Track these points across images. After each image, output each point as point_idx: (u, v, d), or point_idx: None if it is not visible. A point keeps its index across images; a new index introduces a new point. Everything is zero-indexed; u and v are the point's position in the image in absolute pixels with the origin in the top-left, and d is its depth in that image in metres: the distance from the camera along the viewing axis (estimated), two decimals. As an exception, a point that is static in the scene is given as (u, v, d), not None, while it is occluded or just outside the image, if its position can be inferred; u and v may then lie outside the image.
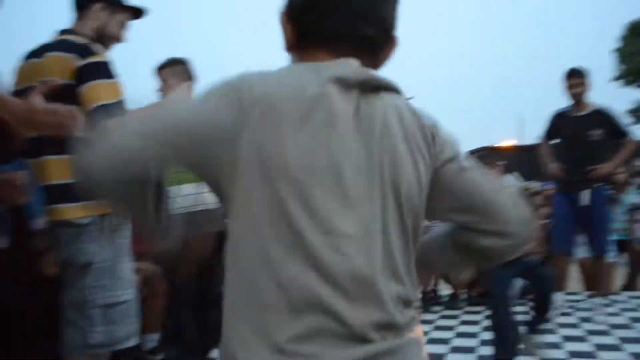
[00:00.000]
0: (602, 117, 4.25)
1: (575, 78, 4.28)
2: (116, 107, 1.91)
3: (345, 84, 0.88)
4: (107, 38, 2.17)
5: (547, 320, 3.34)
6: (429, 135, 0.94)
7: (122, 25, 2.23)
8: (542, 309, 3.26)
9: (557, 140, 4.45)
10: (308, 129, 0.84)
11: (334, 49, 0.93)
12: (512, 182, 5.84)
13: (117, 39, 2.23)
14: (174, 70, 3.08)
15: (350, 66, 0.90)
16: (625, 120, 4.34)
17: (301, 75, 0.89)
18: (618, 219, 5.70)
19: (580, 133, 4.23)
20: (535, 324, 3.28)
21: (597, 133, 4.19)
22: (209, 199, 2.98)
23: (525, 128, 47.62)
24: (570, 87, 4.28)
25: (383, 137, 0.88)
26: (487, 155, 12.84)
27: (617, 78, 27.15)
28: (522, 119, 51.62)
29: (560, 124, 4.39)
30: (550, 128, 4.48)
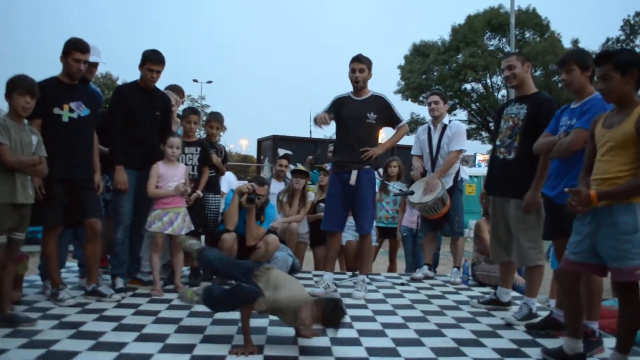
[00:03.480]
0: (378, 103, 4.40)
1: (357, 63, 4.33)
2: None
3: None
4: None
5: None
6: None
7: None
8: None
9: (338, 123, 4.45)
10: None
11: None
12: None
13: None
14: None
15: None
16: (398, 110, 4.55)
17: None
18: (386, 208, 6.11)
19: (357, 115, 4.32)
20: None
21: (372, 116, 4.32)
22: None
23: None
24: (352, 71, 4.34)
25: None
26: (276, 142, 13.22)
27: (397, 92, 30.17)
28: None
29: (340, 106, 4.42)
30: (330, 109, 4.43)
